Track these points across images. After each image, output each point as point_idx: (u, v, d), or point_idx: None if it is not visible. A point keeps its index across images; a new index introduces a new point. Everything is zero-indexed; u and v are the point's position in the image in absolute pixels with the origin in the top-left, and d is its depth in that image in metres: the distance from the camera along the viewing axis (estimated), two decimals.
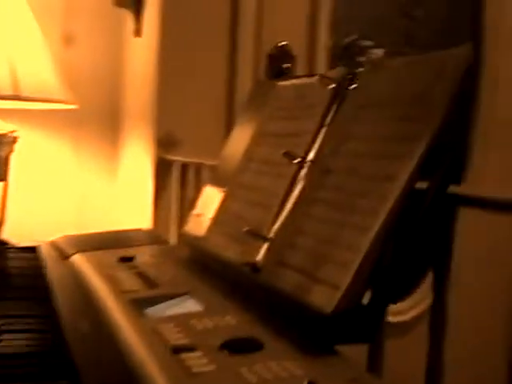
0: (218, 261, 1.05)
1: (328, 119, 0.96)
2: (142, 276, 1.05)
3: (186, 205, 1.73)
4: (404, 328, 2.27)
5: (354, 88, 0.94)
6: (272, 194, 0.98)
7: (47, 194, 2.32)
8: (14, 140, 2.05)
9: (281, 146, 1.02)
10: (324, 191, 0.87)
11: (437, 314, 0.84)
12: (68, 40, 2.26)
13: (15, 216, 2.11)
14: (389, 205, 0.75)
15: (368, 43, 1.19)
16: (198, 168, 1.74)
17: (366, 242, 0.74)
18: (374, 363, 0.87)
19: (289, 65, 1.40)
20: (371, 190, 0.78)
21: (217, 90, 2.02)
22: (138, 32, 2.15)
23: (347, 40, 1.37)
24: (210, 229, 1.12)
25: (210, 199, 1.19)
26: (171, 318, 0.84)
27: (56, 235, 1.47)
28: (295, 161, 0.96)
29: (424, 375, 0.86)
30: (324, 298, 0.74)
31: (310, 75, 1.12)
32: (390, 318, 0.84)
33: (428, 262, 0.84)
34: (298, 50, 1.48)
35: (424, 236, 0.77)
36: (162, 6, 1.97)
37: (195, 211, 1.23)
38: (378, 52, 1.16)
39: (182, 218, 1.71)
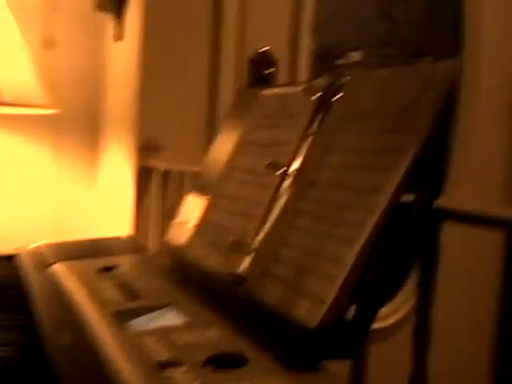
0: (200, 271, 1.03)
1: (312, 129, 0.95)
2: (124, 287, 1.03)
3: (168, 212, 1.71)
4: (385, 334, 2.27)
5: (339, 98, 0.93)
6: (255, 204, 0.97)
7: (26, 200, 2.28)
8: None
9: (264, 156, 1.01)
10: (309, 203, 0.86)
11: (421, 328, 0.83)
12: (48, 44, 2.24)
13: None
14: (375, 217, 0.74)
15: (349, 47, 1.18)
16: (180, 174, 1.73)
17: (351, 255, 0.73)
18: (358, 377, 0.86)
19: (271, 70, 1.40)
20: (357, 203, 0.78)
21: (199, 95, 2.01)
22: (118, 36, 2.14)
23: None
24: (192, 238, 1.11)
25: (193, 208, 1.17)
26: (154, 332, 0.82)
27: (34, 242, 1.45)
28: (278, 172, 0.95)
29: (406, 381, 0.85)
30: (308, 313, 0.73)
31: (295, 83, 1.12)
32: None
33: (409, 268, 0.84)
34: (281, 53, 1.48)
35: (409, 249, 0.77)
36: (144, 10, 1.96)
37: (177, 219, 1.22)
38: (356, 55, 1.16)
39: (164, 225, 1.70)
